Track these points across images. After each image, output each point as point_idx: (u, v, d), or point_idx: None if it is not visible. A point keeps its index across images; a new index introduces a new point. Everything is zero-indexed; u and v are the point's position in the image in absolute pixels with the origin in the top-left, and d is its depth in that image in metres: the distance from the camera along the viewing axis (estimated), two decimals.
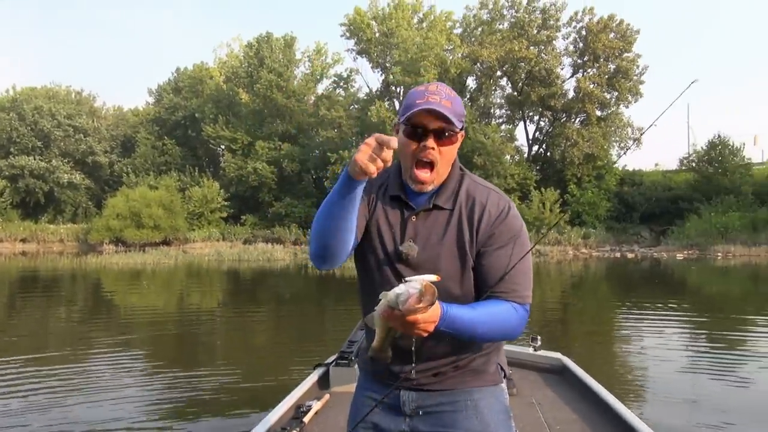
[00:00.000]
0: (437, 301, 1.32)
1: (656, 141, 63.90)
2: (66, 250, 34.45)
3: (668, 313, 11.16)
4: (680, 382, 6.17)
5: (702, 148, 32.77)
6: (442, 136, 1.47)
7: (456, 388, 1.58)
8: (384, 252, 1.56)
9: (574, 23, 34.75)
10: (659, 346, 7.93)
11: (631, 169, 35.93)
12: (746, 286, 16.13)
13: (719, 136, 31.60)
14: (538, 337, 4.32)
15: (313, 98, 42.20)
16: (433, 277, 1.27)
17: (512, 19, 35.83)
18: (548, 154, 35.97)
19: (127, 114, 49.57)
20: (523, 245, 1.52)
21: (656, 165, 37.00)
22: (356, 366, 3.86)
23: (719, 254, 24.09)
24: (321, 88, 43.16)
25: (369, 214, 1.59)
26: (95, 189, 44.49)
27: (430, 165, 1.50)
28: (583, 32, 33.98)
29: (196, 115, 42.46)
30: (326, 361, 4.15)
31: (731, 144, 31.16)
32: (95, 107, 48.87)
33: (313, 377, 3.97)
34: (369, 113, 34.53)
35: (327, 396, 3.72)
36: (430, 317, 1.27)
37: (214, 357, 7.82)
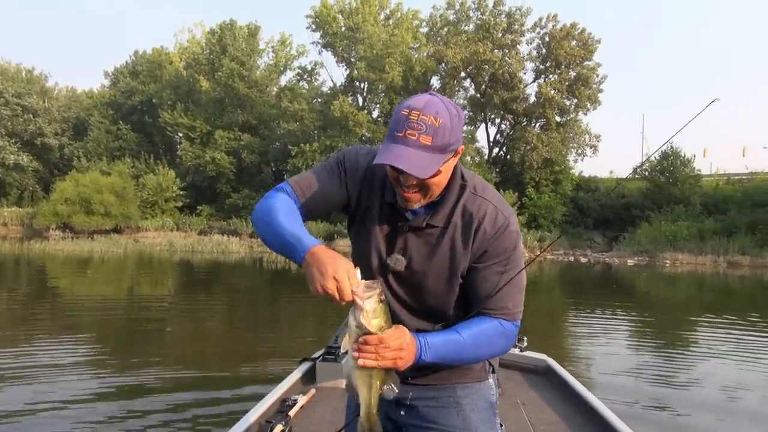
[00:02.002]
0: (411, 334, 1.34)
1: (612, 149, 65.80)
2: (9, 234, 33.08)
3: (626, 316, 11.53)
4: (645, 378, 6.40)
5: (655, 158, 33.73)
6: None
7: (439, 383, 1.58)
8: (372, 262, 1.53)
9: (538, 29, 35.26)
10: (614, 343, 8.08)
11: (586, 175, 36.78)
12: (700, 294, 16.61)
13: (671, 147, 32.55)
14: (524, 338, 4.35)
15: (275, 89, 41.65)
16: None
17: (478, 22, 36.10)
18: (508, 157, 36.42)
19: (80, 96, 47.91)
20: (516, 262, 1.47)
21: (611, 172, 37.96)
22: (343, 361, 3.80)
23: (667, 262, 24.81)
24: (284, 80, 42.73)
25: (348, 206, 1.56)
26: (43, 172, 42.88)
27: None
28: (546, 38, 34.49)
29: (154, 100, 41.35)
30: (313, 356, 4.13)
31: (683, 155, 32.17)
32: (47, 87, 46.96)
33: (299, 372, 3.96)
34: (332, 107, 34.26)
35: (313, 391, 3.71)
36: (395, 335, 1.28)
37: (184, 351, 7.57)
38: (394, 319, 1.36)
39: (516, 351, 4.30)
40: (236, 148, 37.15)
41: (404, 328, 1.33)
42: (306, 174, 1.55)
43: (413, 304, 1.53)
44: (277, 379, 3.90)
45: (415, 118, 1.33)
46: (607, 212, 31.59)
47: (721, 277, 20.46)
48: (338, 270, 1.23)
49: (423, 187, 1.40)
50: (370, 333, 1.24)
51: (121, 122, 41.69)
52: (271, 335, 8.68)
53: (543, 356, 4.30)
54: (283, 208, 1.43)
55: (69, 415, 4.71)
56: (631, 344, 8.96)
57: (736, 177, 33.52)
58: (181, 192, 36.77)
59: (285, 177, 38.23)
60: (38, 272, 17.09)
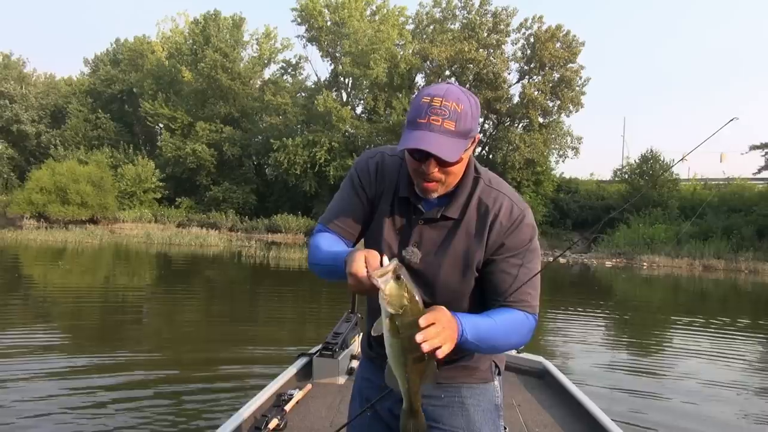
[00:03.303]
0: (452, 314, 1.29)
1: (593, 152, 66.57)
2: None
3: (610, 317, 11.69)
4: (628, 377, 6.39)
5: (635, 161, 34.15)
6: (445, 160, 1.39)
7: (445, 382, 1.57)
8: (387, 255, 1.47)
9: (523, 30, 35.41)
10: (600, 343, 8.11)
11: (567, 176, 37.08)
12: (678, 297, 16.80)
13: (651, 150, 33.03)
14: None
15: (259, 82, 41.28)
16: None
17: (464, 20, 36.14)
18: (490, 156, 36.53)
19: (59, 83, 46.98)
20: (533, 254, 1.50)
21: (591, 174, 38.30)
22: (340, 358, 3.99)
23: (645, 264, 25.10)
24: (268, 73, 42.36)
25: (374, 210, 1.57)
26: (19, 159, 42.04)
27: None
28: (531, 39, 34.64)
29: (135, 90, 40.76)
30: (310, 351, 4.14)
31: (662, 159, 32.59)
32: (24, 73, 46.01)
33: (296, 366, 3.96)
34: (316, 102, 34.08)
35: (309, 386, 3.74)
36: (436, 313, 1.22)
37: (173, 344, 7.42)
38: None
39: (513, 353, 4.27)
40: (218, 140, 36.76)
41: (441, 306, 1.28)
42: (329, 206, 1.62)
43: (427, 299, 1.48)
44: (272, 374, 3.93)
45: (438, 104, 1.35)
46: (586, 214, 31.87)
47: (697, 280, 20.73)
48: (352, 265, 1.26)
49: (443, 174, 1.42)
50: (396, 314, 1.19)
51: (100, 111, 41.01)
52: (259, 329, 8.58)
53: (540, 358, 4.30)
54: (321, 241, 1.52)
55: (48, 411, 4.55)
56: (615, 344, 9.01)
57: (713, 182, 34.06)
58: (161, 183, 36.29)
59: (267, 171, 38.18)
60: (10, 261, 16.71)
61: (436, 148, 1.32)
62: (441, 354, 1.20)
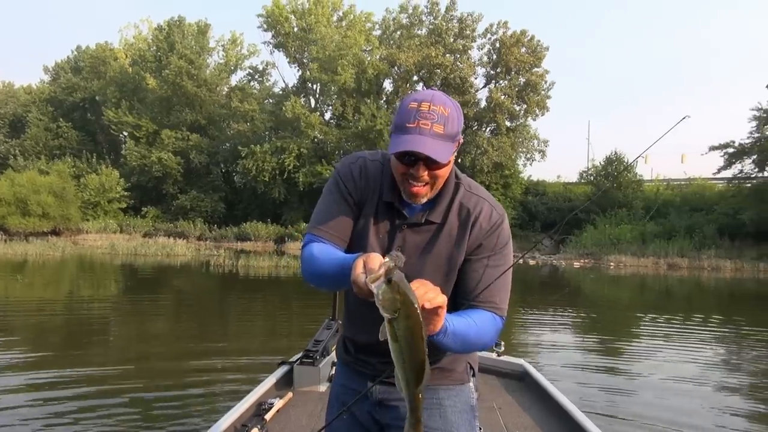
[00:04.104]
0: None
1: (559, 154, 67.74)
2: None
3: (585, 317, 11.77)
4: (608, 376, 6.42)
5: (600, 163, 34.81)
6: (433, 162, 1.39)
7: None
8: None
9: (489, 35, 35.81)
10: (575, 343, 8.17)
11: (535, 179, 37.57)
12: (645, 295, 17.11)
13: (615, 152, 33.74)
14: (502, 343, 4.30)
15: (225, 89, 40.85)
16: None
17: (430, 26, 36.40)
18: (459, 161, 36.81)
19: (18, 91, 45.73)
20: (506, 258, 1.53)
21: (558, 177, 38.88)
22: (321, 365, 3.97)
23: (612, 264, 25.54)
24: (234, 80, 41.96)
25: (358, 214, 1.56)
26: None
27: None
28: (497, 44, 35.08)
29: (97, 97, 39.95)
30: (290, 360, 4.10)
31: (626, 161, 33.29)
32: None
33: (277, 375, 3.92)
34: (284, 108, 33.87)
35: (290, 394, 3.70)
36: (430, 288, 1.19)
37: (142, 355, 7.19)
38: None
39: (493, 356, 4.28)
40: (184, 148, 36.22)
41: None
42: (315, 213, 1.58)
43: None
44: (249, 382, 3.93)
45: (426, 109, 1.38)
46: (554, 215, 32.30)
47: (662, 278, 21.16)
48: (353, 272, 1.22)
49: (432, 178, 1.44)
50: (393, 318, 1.14)
51: (61, 119, 40.09)
52: (231, 338, 8.44)
53: (520, 361, 4.30)
54: (317, 252, 1.46)
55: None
56: (587, 341, 9.10)
57: (675, 182, 34.91)
58: (126, 193, 35.60)
59: (235, 179, 37.82)
60: None
61: (429, 149, 1.34)
62: (443, 303, 1.19)
